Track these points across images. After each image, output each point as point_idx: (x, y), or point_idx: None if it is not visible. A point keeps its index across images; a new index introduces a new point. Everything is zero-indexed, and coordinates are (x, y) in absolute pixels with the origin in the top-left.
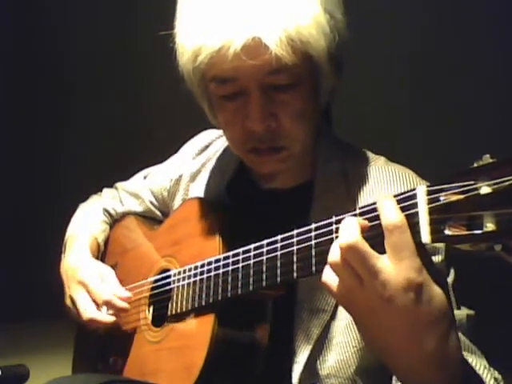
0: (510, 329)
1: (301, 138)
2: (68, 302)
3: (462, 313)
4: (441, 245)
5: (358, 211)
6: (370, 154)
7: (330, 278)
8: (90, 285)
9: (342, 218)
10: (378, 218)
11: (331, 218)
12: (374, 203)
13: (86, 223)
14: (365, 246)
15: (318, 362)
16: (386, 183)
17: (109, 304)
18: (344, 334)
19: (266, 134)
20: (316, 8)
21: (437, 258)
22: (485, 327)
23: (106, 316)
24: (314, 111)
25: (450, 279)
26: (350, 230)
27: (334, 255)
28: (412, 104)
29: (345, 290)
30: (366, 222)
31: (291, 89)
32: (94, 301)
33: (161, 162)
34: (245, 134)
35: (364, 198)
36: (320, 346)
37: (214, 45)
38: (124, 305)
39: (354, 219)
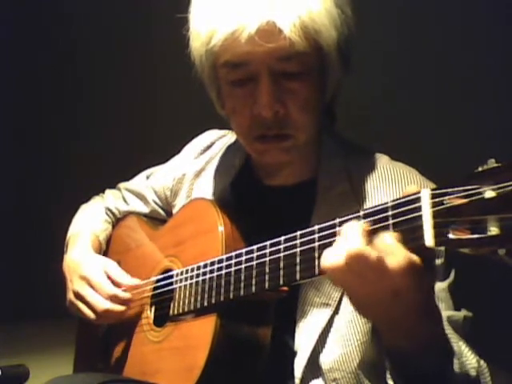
0: (509, 330)
1: (306, 127)
2: (71, 296)
3: (459, 314)
4: (441, 247)
5: (361, 213)
6: (373, 152)
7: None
8: (93, 279)
9: (346, 220)
10: (382, 220)
11: (335, 219)
12: (379, 205)
13: (88, 222)
14: (368, 253)
15: (321, 355)
16: (389, 182)
17: (113, 297)
18: (348, 328)
19: (273, 121)
20: (328, 0)
21: (437, 261)
22: (484, 329)
23: (117, 305)
24: (320, 104)
25: (449, 281)
26: (352, 236)
27: (337, 259)
28: (417, 105)
29: (349, 284)
30: (368, 226)
31: (300, 78)
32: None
33: (163, 162)
34: (253, 121)
35: (367, 196)
36: (323, 340)
37: (229, 27)
38: (127, 296)
39: (357, 224)
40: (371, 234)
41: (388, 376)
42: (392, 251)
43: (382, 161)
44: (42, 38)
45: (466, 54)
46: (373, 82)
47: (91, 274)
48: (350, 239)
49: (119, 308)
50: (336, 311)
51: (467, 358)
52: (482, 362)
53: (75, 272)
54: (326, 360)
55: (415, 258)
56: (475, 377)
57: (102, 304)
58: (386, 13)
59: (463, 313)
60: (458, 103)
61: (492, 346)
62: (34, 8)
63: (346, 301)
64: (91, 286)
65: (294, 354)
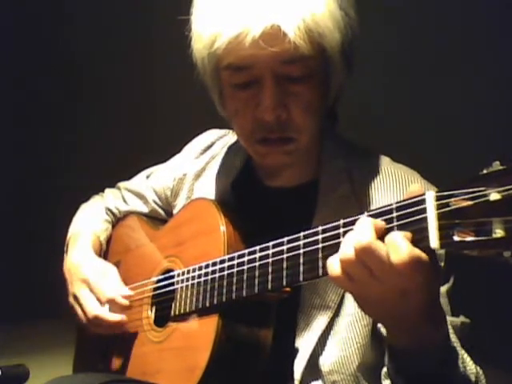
0: (507, 334)
1: (309, 130)
2: (71, 299)
3: (456, 320)
4: (441, 251)
5: (366, 214)
6: (375, 153)
7: (338, 271)
8: (93, 283)
9: (350, 222)
10: (387, 221)
11: (339, 220)
12: (384, 207)
13: (88, 222)
14: (378, 247)
15: (321, 358)
16: (391, 183)
17: (112, 302)
18: (348, 331)
19: (276, 124)
20: (332, 3)
21: None
22: (485, 330)
23: (110, 314)
24: (322, 106)
25: (448, 286)
26: (364, 230)
27: (348, 253)
28: (418, 106)
29: (356, 283)
30: (383, 223)
31: (303, 81)
32: (98, 299)
33: (163, 162)
34: (255, 123)
35: (369, 198)
36: (323, 342)
37: (233, 30)
38: (126, 302)
39: (370, 219)
40: (383, 232)
41: (383, 373)
42: (398, 249)
43: (384, 162)
44: (42, 38)
45: (466, 53)
46: (373, 82)
47: (91, 277)
48: (361, 232)
49: (117, 315)
50: (336, 314)
51: (467, 364)
52: (478, 368)
53: (76, 275)
54: (325, 362)
55: (423, 257)
56: (474, 383)
57: (102, 309)
58: (387, 13)
59: (461, 319)
60: (458, 103)
61: (491, 346)
62: (34, 8)
63: (346, 303)
64: (91, 290)
65: (294, 355)
